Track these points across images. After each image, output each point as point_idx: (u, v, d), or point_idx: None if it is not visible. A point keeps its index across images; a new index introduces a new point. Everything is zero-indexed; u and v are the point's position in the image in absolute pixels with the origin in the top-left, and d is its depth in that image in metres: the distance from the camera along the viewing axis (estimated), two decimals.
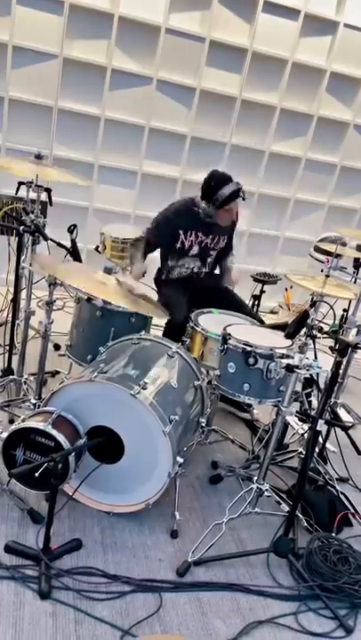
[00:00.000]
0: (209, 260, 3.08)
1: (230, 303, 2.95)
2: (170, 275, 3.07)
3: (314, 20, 4.24)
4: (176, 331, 2.71)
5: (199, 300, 2.92)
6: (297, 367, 2.06)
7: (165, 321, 2.75)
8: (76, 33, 3.91)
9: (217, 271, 3.17)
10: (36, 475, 1.85)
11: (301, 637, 1.86)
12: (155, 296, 2.90)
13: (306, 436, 2.66)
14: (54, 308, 2.49)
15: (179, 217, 2.95)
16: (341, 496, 2.49)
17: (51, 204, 3.03)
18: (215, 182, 2.81)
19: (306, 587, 2.01)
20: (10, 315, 2.86)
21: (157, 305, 2.58)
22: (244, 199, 2.85)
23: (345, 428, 2.95)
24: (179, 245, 2.97)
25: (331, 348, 2.16)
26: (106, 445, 2.09)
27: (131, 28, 3.96)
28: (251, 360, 2.17)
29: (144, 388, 2.08)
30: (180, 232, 2.94)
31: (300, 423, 2.81)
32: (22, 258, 2.78)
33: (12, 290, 2.90)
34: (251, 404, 2.93)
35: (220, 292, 3.08)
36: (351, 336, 3.16)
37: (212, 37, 4.11)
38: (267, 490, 2.30)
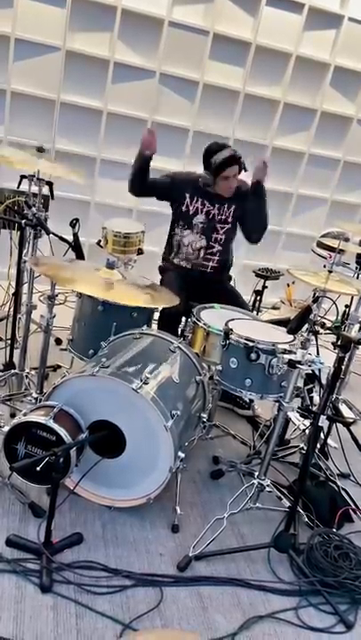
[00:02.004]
0: (215, 235, 3.02)
1: (228, 300, 2.93)
2: (174, 258, 3.06)
3: (318, 14, 4.21)
4: (170, 319, 2.70)
5: (196, 293, 2.91)
6: (299, 363, 2.06)
7: (160, 310, 2.74)
8: (78, 25, 3.89)
9: (217, 259, 3.11)
10: (38, 469, 1.85)
11: (302, 632, 1.86)
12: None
13: (307, 431, 2.67)
14: (56, 302, 2.48)
15: (184, 182, 3.00)
16: (342, 492, 2.49)
17: (52, 198, 3.02)
18: (212, 148, 2.87)
19: (306, 582, 2.02)
20: (11, 309, 2.86)
21: (162, 290, 2.57)
22: (245, 169, 2.87)
23: (346, 424, 2.95)
24: (184, 209, 2.98)
25: (333, 343, 2.15)
26: (107, 440, 2.09)
27: (134, 20, 3.94)
28: (253, 355, 2.17)
29: (146, 383, 2.07)
30: (187, 195, 2.97)
31: (302, 419, 2.81)
32: (24, 252, 2.78)
33: (13, 284, 2.89)
34: (252, 400, 2.93)
35: (217, 289, 3.06)
36: (354, 332, 3.15)
37: (216, 31, 4.08)
38: (268, 485, 2.30)
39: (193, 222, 3.00)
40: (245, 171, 2.89)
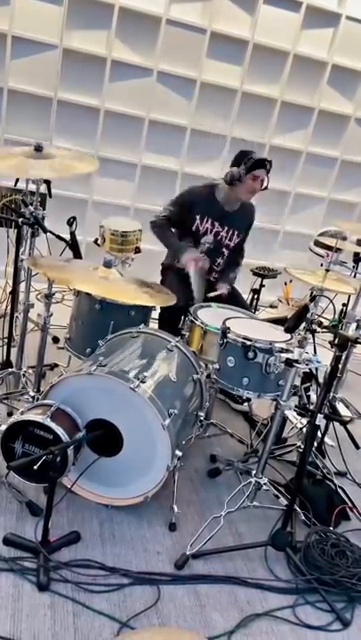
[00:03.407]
0: (219, 260, 3.06)
1: (228, 297, 2.94)
2: (176, 263, 3.06)
3: (316, 12, 4.21)
4: (171, 317, 2.70)
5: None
6: (296, 361, 2.06)
7: (160, 308, 2.75)
8: (75, 23, 3.88)
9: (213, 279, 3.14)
10: (35, 467, 1.85)
11: (299, 630, 1.87)
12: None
13: (304, 430, 2.67)
14: (53, 300, 2.48)
15: (198, 200, 2.98)
16: (339, 490, 2.50)
17: (50, 196, 3.01)
18: (249, 151, 2.91)
19: (303, 580, 2.02)
20: (9, 307, 2.85)
21: (160, 289, 2.57)
22: (266, 186, 2.92)
23: (344, 423, 2.96)
24: (194, 229, 2.99)
25: (330, 342, 2.15)
26: (105, 438, 2.09)
27: (131, 18, 3.93)
28: (250, 354, 2.17)
29: (143, 382, 2.07)
30: (197, 216, 2.96)
31: (299, 417, 2.82)
32: (21, 250, 2.77)
33: (10, 282, 2.89)
34: (249, 399, 2.93)
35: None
36: (351, 330, 3.16)
37: (214, 29, 4.08)
38: (265, 483, 2.31)
39: (201, 242, 3.01)
40: (266, 189, 2.95)
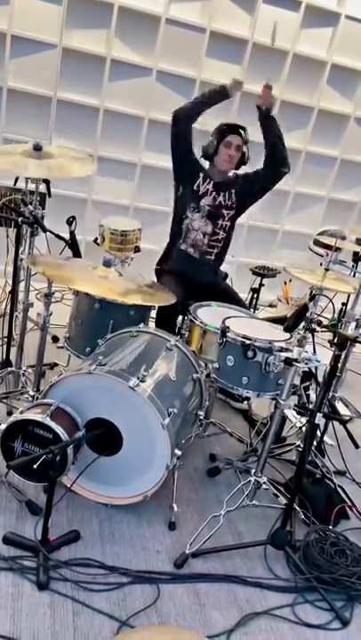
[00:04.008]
0: (221, 222, 3.05)
1: (226, 298, 2.93)
2: (182, 244, 3.07)
3: (315, 12, 4.21)
4: (167, 316, 2.70)
5: (194, 292, 2.91)
6: (296, 361, 2.06)
7: (157, 307, 2.75)
8: (75, 23, 3.88)
9: (220, 246, 3.13)
10: (35, 466, 1.85)
11: (298, 629, 1.87)
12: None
13: (304, 429, 2.67)
14: (53, 300, 2.48)
15: (201, 163, 3.05)
16: (339, 489, 2.50)
17: (49, 196, 3.01)
18: (222, 122, 2.98)
19: (303, 579, 2.02)
20: (8, 306, 2.85)
21: (160, 288, 2.57)
22: (247, 157, 2.96)
23: (343, 422, 2.96)
24: (195, 188, 3.01)
25: (330, 341, 2.16)
26: (104, 438, 2.09)
27: (131, 17, 3.93)
28: (249, 353, 2.17)
29: (142, 381, 2.07)
30: (200, 174, 3.01)
31: (299, 416, 2.82)
32: (21, 249, 2.77)
33: (10, 281, 2.89)
34: (248, 397, 2.93)
35: (214, 289, 3.06)
36: (350, 330, 3.16)
37: (213, 28, 4.08)
38: (264, 482, 2.31)
39: (201, 204, 3.01)
40: (246, 143, 2.98)
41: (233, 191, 3.04)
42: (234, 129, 2.94)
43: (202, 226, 3.03)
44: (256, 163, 3.07)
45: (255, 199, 3.16)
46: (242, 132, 2.95)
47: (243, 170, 3.08)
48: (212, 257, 3.10)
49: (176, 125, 2.98)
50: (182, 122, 2.97)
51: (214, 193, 3.01)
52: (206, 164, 3.07)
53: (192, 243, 3.06)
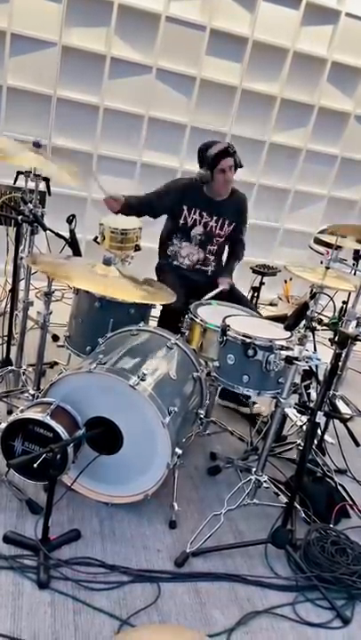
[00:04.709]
0: (211, 247, 3.04)
1: (229, 297, 2.94)
2: (172, 261, 3.07)
3: (315, 9, 4.20)
4: (171, 317, 2.70)
5: (196, 291, 2.91)
6: (296, 359, 2.06)
7: (161, 309, 2.76)
8: (75, 21, 3.87)
9: (211, 270, 3.14)
10: (35, 465, 1.85)
11: (299, 627, 1.87)
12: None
13: (304, 427, 2.67)
14: (53, 298, 2.48)
15: (184, 191, 2.98)
16: (339, 488, 2.50)
17: (49, 194, 3.01)
18: (205, 146, 2.89)
19: (303, 577, 2.02)
20: (8, 305, 2.85)
21: (160, 287, 2.57)
22: (239, 165, 2.88)
23: (343, 420, 2.96)
24: (182, 222, 2.98)
25: (330, 340, 2.15)
26: (104, 436, 2.09)
27: (130, 15, 3.92)
28: (250, 352, 2.17)
29: (143, 380, 2.07)
30: (184, 207, 2.96)
31: (299, 415, 2.81)
32: (21, 248, 2.77)
33: (10, 280, 2.89)
34: (250, 396, 2.93)
35: (217, 287, 3.06)
36: (351, 328, 3.15)
37: (213, 26, 4.07)
38: (265, 481, 2.30)
39: (191, 234, 3.01)
40: (241, 167, 2.89)
41: (226, 220, 3.02)
42: (225, 153, 2.83)
43: (192, 253, 3.04)
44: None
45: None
46: (230, 149, 2.84)
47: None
48: (209, 268, 3.11)
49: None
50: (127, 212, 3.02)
51: (206, 218, 2.98)
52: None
53: (186, 263, 3.08)
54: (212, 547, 2.08)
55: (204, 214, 2.97)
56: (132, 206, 2.97)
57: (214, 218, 2.99)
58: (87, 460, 2.10)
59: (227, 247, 3.17)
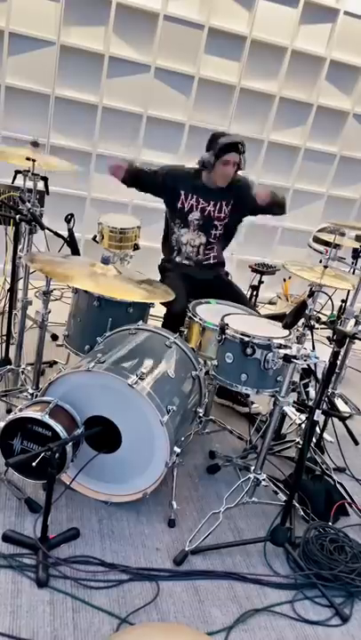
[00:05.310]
0: (214, 231, 3.04)
1: (228, 294, 2.94)
2: (176, 257, 3.07)
3: (314, 8, 4.20)
4: (175, 320, 2.71)
5: (198, 291, 2.91)
6: (295, 357, 2.06)
7: (164, 312, 2.76)
8: (73, 19, 3.86)
9: (216, 255, 3.14)
10: (34, 464, 1.85)
11: (297, 625, 1.87)
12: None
13: (303, 426, 2.67)
14: (52, 297, 2.48)
15: (178, 177, 3.01)
16: (338, 486, 2.50)
17: (48, 193, 3.01)
18: (219, 133, 2.90)
19: (302, 575, 2.03)
20: (7, 304, 2.85)
21: (159, 285, 2.58)
22: (242, 167, 2.88)
23: (342, 419, 2.96)
24: (179, 205, 2.99)
25: (329, 338, 2.15)
26: (103, 435, 2.09)
27: (129, 14, 3.92)
28: (248, 350, 2.17)
29: (141, 378, 2.07)
30: (181, 192, 2.98)
31: (298, 413, 2.82)
32: (19, 247, 2.77)
33: (8, 279, 2.89)
34: (248, 394, 2.93)
35: (218, 284, 3.07)
36: (349, 326, 3.16)
37: (211, 24, 4.06)
38: (264, 479, 2.31)
39: (189, 219, 3.00)
40: (243, 169, 2.90)
41: (224, 203, 3.01)
42: (234, 147, 2.82)
43: (194, 238, 3.03)
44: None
45: (245, 215, 3.12)
46: (240, 147, 2.84)
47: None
48: (211, 260, 3.10)
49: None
50: (129, 186, 3.10)
51: (202, 204, 2.98)
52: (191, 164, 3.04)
53: (186, 256, 3.08)
54: (211, 545, 2.08)
55: (201, 200, 2.97)
56: (136, 176, 3.05)
57: (211, 202, 2.99)
58: (86, 459, 2.10)
59: (238, 228, 3.15)
